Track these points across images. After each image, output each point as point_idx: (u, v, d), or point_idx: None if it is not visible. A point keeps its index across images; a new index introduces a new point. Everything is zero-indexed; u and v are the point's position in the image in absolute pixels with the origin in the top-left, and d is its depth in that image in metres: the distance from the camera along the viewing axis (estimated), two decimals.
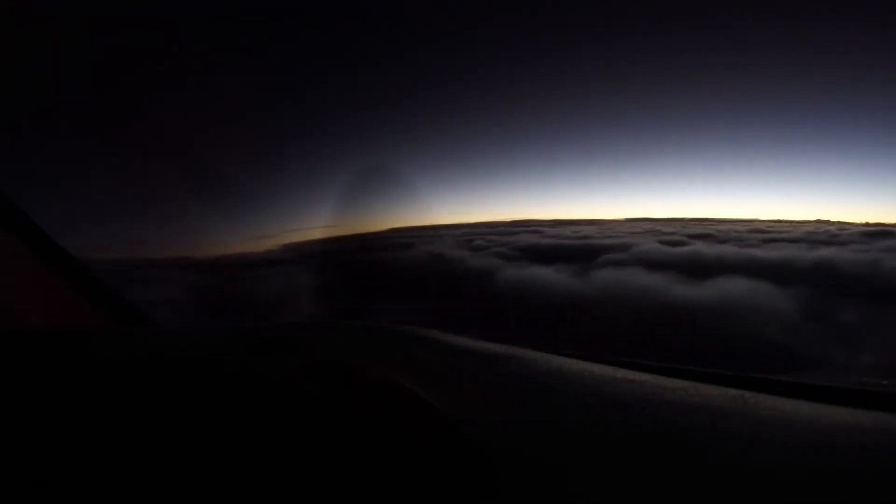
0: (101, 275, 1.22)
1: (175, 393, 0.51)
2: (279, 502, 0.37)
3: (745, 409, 0.51)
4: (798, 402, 0.54)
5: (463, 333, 0.85)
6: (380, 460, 0.41)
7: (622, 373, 0.63)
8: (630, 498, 0.38)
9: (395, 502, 0.37)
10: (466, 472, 0.41)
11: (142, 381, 0.54)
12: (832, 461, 0.41)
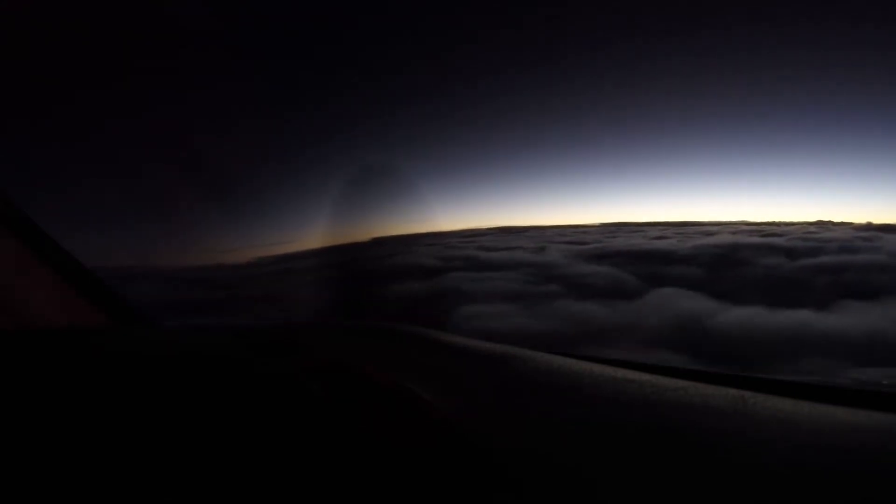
0: (100, 274, 1.22)
1: (176, 393, 0.51)
2: (281, 502, 0.37)
3: (745, 409, 0.51)
4: (798, 402, 0.54)
5: (464, 334, 0.85)
6: (381, 460, 0.41)
7: (622, 373, 0.63)
8: (630, 497, 0.38)
9: (397, 502, 0.37)
10: (466, 472, 0.41)
11: (142, 381, 0.54)
12: (832, 461, 0.41)
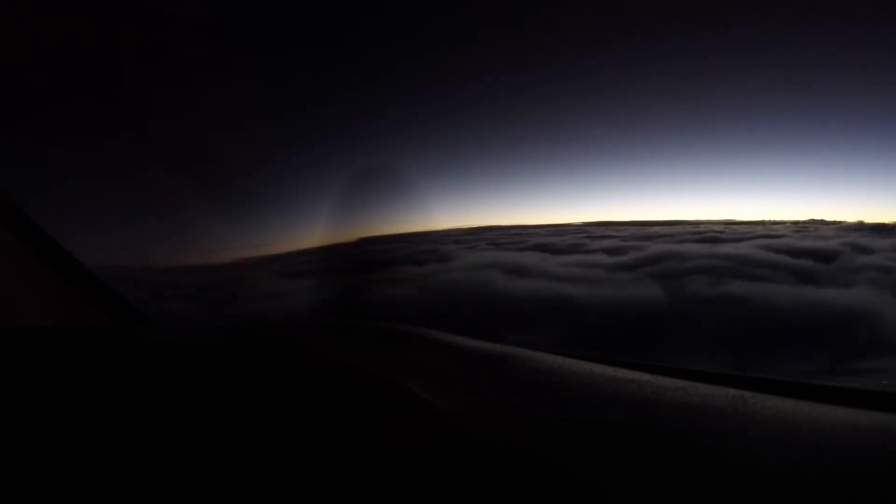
0: (100, 274, 1.22)
1: (176, 393, 0.51)
2: (280, 503, 0.37)
3: (745, 409, 0.51)
4: (798, 402, 0.54)
5: (463, 333, 0.85)
6: (380, 460, 0.41)
7: (622, 373, 0.63)
8: (630, 497, 0.38)
9: (397, 502, 0.37)
10: (466, 472, 0.41)
11: (142, 381, 0.54)
12: (832, 461, 0.41)
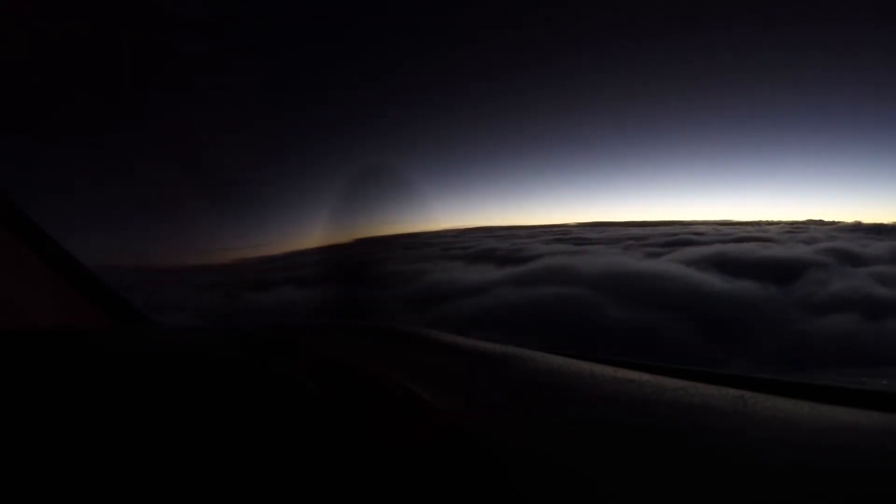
0: (100, 274, 1.22)
1: (176, 393, 0.51)
2: (281, 503, 0.37)
3: (745, 409, 0.51)
4: (798, 402, 0.54)
5: (463, 333, 0.85)
6: (381, 460, 0.41)
7: (622, 373, 0.63)
8: (630, 497, 0.38)
9: (397, 502, 0.37)
10: (466, 472, 0.41)
11: (142, 382, 0.54)
12: (832, 461, 0.41)
